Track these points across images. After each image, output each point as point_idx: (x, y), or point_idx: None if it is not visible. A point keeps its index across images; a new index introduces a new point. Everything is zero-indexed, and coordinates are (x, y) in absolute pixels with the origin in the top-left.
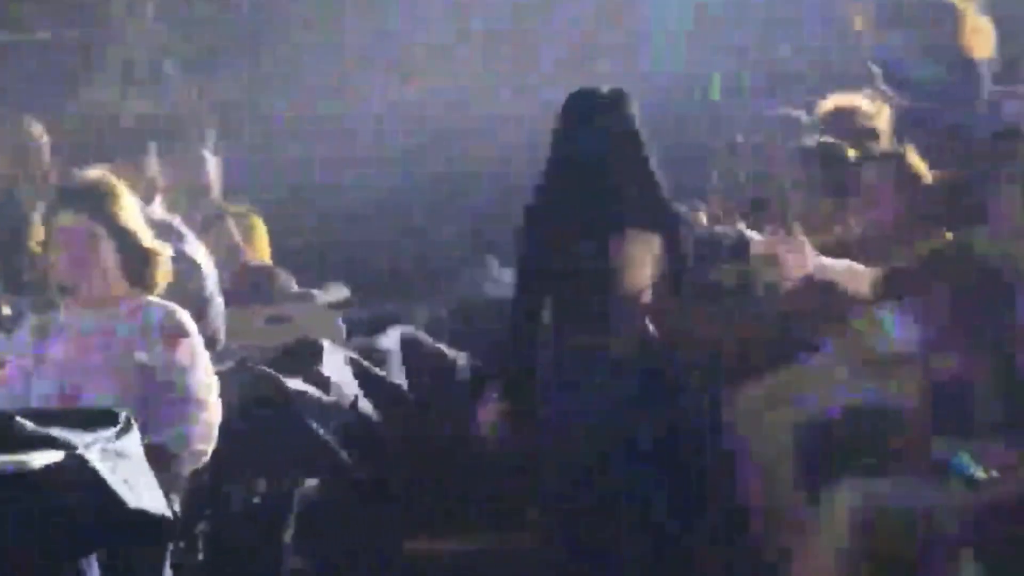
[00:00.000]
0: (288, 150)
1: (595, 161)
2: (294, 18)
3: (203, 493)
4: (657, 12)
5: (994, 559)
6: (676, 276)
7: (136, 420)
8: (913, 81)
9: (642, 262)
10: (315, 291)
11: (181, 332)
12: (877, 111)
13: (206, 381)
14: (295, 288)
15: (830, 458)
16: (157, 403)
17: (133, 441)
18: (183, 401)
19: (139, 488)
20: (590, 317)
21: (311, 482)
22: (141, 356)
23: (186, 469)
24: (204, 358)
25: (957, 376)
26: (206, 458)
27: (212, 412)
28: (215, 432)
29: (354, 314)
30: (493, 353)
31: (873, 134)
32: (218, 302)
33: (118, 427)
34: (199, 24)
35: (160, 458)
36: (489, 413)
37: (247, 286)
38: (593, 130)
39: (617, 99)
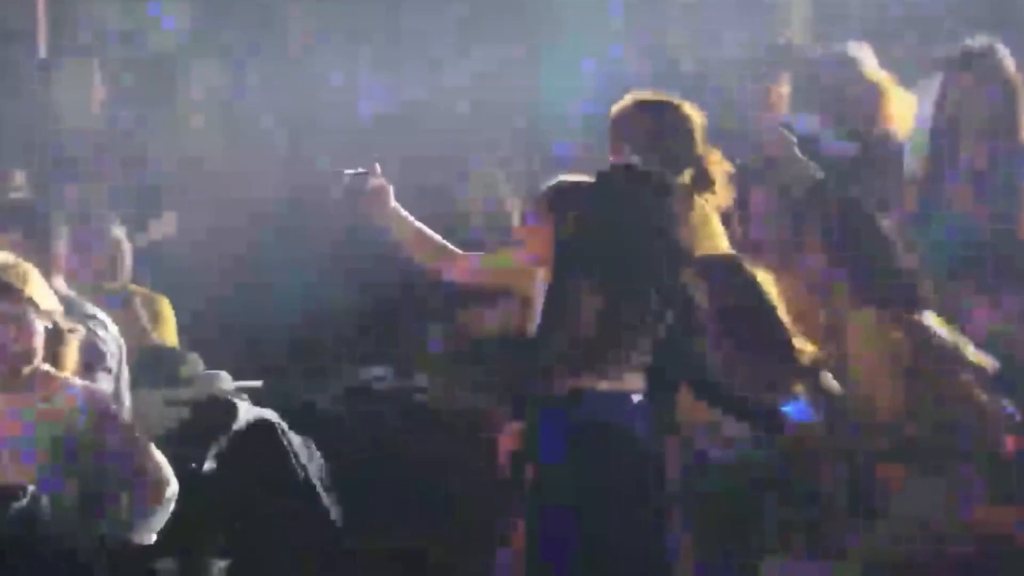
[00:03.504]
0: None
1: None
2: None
3: None
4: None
5: None
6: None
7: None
8: (823, 156)
9: None
10: (222, 372)
11: (112, 413)
12: None
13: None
14: (202, 370)
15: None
16: (104, 481)
17: None
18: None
19: None
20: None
21: None
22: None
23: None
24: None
25: None
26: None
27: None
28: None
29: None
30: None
31: None
32: (125, 381)
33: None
34: None
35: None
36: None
37: (153, 368)
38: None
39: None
